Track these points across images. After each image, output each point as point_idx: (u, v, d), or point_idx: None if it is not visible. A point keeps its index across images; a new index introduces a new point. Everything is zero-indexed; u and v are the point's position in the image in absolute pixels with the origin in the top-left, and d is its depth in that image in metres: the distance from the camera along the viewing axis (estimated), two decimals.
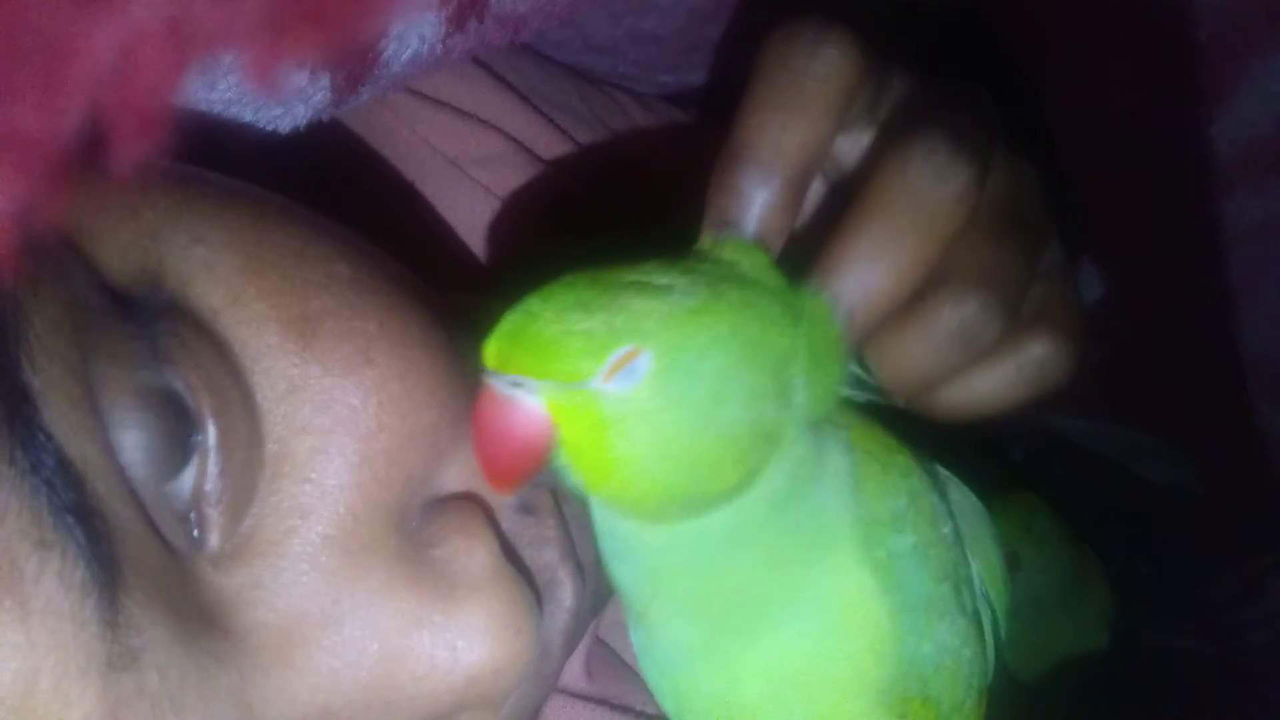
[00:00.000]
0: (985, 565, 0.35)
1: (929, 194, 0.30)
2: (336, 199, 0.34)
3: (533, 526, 0.33)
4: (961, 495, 0.35)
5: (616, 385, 0.27)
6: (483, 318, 0.35)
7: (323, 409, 0.28)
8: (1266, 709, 0.62)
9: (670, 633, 0.31)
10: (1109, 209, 0.70)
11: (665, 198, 0.52)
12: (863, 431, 0.31)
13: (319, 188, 0.34)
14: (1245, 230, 0.66)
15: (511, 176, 0.47)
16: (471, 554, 0.30)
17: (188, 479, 0.26)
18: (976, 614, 0.34)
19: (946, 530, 0.33)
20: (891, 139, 0.32)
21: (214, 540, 0.26)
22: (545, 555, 0.33)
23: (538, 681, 0.33)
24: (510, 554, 0.31)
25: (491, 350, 0.27)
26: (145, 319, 0.26)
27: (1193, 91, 0.61)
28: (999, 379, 0.34)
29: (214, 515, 0.26)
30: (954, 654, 0.33)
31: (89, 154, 0.14)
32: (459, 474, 0.31)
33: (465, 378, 0.32)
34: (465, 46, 0.40)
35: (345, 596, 0.28)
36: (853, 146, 0.35)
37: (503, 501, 0.32)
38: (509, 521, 0.33)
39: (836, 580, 0.30)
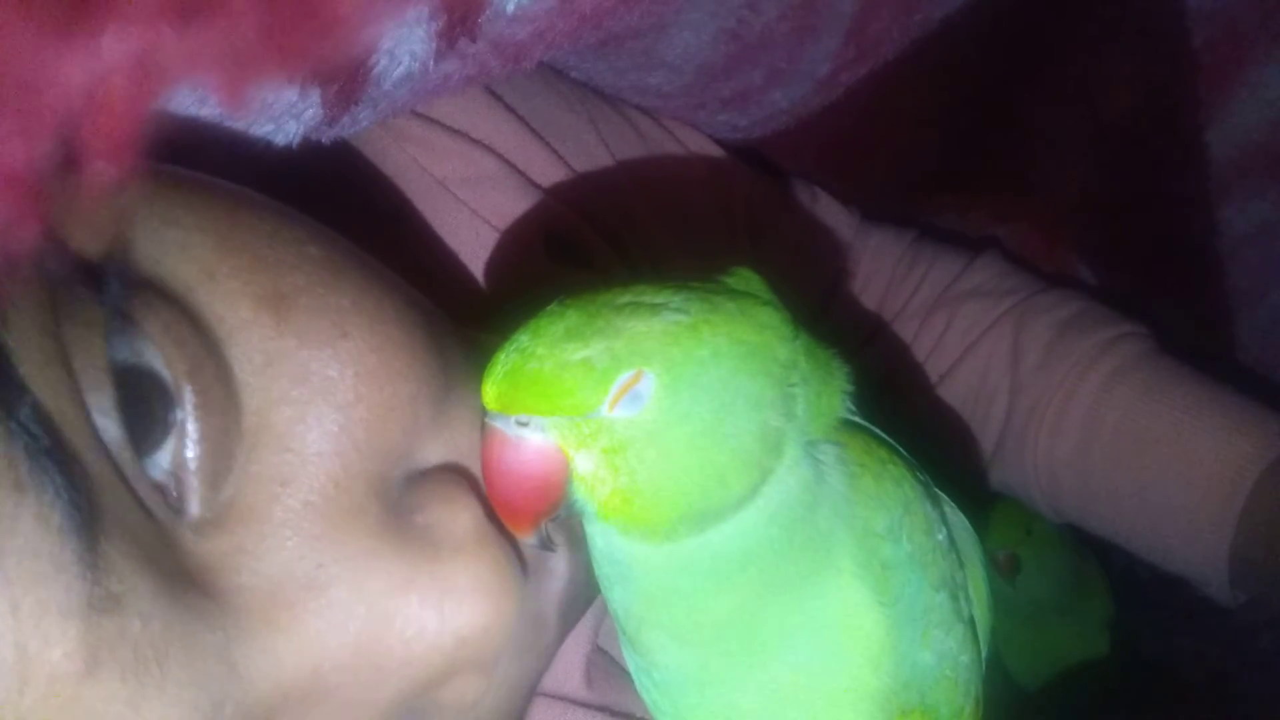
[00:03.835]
0: (974, 584, 0.35)
1: None
2: (328, 217, 0.34)
3: None
4: (953, 513, 0.35)
5: (624, 410, 0.26)
6: (471, 347, 0.35)
7: (300, 380, 0.28)
8: (1272, 711, 0.62)
9: (666, 657, 0.31)
10: (1107, 214, 0.70)
11: (659, 230, 0.52)
12: (856, 445, 0.31)
13: (311, 205, 0.34)
14: (1242, 235, 0.66)
15: (500, 199, 0.47)
16: (455, 518, 0.30)
17: (166, 452, 0.26)
18: (972, 620, 0.35)
19: (941, 537, 0.33)
20: None
21: (194, 508, 0.26)
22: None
23: (534, 652, 0.33)
24: (495, 520, 0.30)
25: (491, 392, 0.27)
26: (118, 294, 0.26)
27: (1188, 97, 0.61)
28: None
29: (193, 484, 0.26)
30: (952, 661, 0.33)
31: (65, 166, 0.14)
32: (441, 448, 0.31)
33: (445, 362, 0.32)
34: (464, 73, 0.40)
35: (330, 561, 0.27)
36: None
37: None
38: None
39: (835, 596, 0.30)
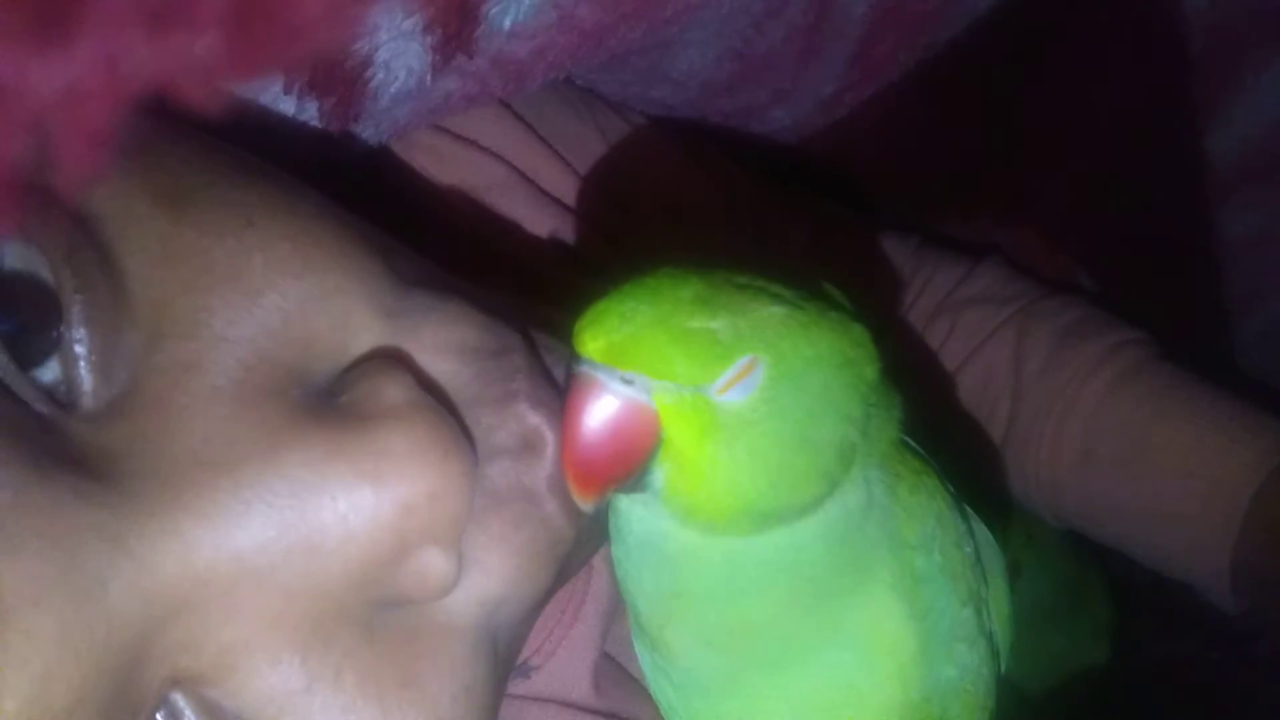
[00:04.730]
0: (995, 599, 0.35)
1: None
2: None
3: (495, 384, 0.31)
4: (977, 527, 0.35)
5: (730, 394, 0.26)
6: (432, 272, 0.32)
7: (203, 270, 0.27)
8: (1273, 717, 0.62)
9: (690, 659, 0.31)
10: (1107, 220, 0.70)
11: (667, 238, 0.52)
12: (892, 454, 0.31)
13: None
14: (1241, 241, 0.66)
15: (508, 206, 0.46)
16: (383, 390, 0.27)
17: (52, 356, 0.25)
18: (991, 634, 0.34)
19: (969, 550, 0.32)
20: None
21: (87, 402, 0.25)
22: (513, 410, 0.31)
23: (538, 524, 0.30)
24: (433, 390, 0.29)
25: (599, 343, 0.26)
26: None
27: (1187, 103, 0.62)
28: None
29: (83, 378, 0.25)
30: (974, 676, 0.32)
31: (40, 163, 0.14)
32: (377, 345, 0.29)
33: (393, 271, 0.30)
34: (464, 91, 0.40)
35: (242, 439, 0.26)
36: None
37: (442, 364, 0.30)
38: (460, 378, 0.30)
39: (870, 608, 0.30)
